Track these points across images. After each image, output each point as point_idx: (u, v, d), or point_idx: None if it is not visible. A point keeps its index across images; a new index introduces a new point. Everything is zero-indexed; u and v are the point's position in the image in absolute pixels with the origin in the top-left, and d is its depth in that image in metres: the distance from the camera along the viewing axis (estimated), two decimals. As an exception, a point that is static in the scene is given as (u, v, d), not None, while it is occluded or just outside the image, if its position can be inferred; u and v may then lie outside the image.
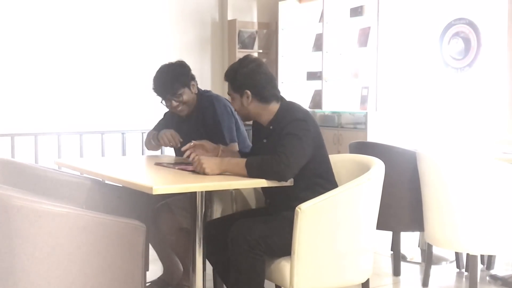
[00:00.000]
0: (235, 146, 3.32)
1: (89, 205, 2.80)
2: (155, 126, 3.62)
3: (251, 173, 2.63)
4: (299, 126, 2.70)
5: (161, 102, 3.39)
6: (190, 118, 3.42)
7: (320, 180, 2.80)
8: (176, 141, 3.35)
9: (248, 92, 2.80)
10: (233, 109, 3.34)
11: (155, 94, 3.37)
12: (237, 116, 3.39)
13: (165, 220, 3.27)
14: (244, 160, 2.68)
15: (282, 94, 2.93)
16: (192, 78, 3.40)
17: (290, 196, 2.72)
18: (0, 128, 6.04)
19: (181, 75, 3.35)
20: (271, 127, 2.83)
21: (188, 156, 2.94)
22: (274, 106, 2.85)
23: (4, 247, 2.26)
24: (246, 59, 2.90)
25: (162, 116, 3.66)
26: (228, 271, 2.73)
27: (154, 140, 3.48)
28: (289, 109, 2.83)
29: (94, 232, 2.38)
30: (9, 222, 2.22)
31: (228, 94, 2.92)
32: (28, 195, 2.46)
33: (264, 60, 7.62)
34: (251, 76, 2.81)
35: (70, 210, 2.34)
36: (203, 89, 3.51)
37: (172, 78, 3.32)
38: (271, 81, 2.87)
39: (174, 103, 3.35)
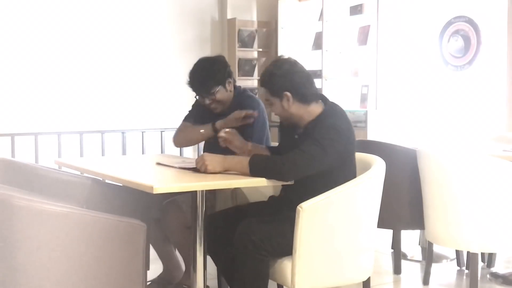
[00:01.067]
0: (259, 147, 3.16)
1: (90, 205, 2.81)
2: (187, 117, 3.47)
3: (254, 172, 2.59)
4: (329, 135, 2.61)
5: (195, 97, 3.33)
6: (224, 115, 3.30)
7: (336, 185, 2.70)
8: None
9: (288, 94, 2.71)
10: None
11: (190, 89, 3.29)
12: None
13: (173, 218, 3.23)
14: (247, 158, 2.63)
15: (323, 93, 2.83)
16: (229, 75, 3.29)
17: (307, 193, 2.63)
18: (0, 127, 6.04)
19: (217, 72, 3.24)
20: (309, 126, 2.74)
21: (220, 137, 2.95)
22: (316, 108, 2.75)
23: (4, 247, 2.25)
24: (279, 60, 2.81)
25: (191, 107, 3.51)
26: (231, 270, 2.73)
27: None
28: (333, 115, 2.73)
29: (94, 232, 2.38)
30: (10, 221, 2.22)
31: (266, 99, 2.81)
32: (29, 195, 2.46)
33: (263, 59, 7.65)
34: (288, 77, 2.71)
35: (71, 210, 2.34)
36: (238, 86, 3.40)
37: (207, 76, 3.22)
38: (309, 78, 2.77)
39: (207, 101, 3.28)
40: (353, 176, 2.79)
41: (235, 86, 3.36)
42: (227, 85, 3.28)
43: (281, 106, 2.74)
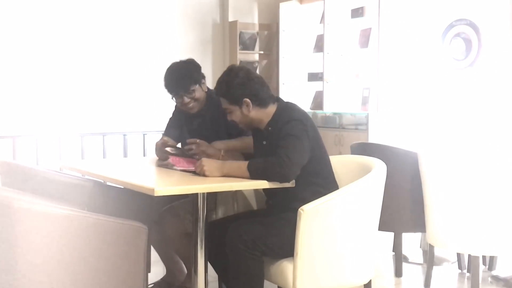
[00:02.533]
0: (249, 139, 3.14)
1: (91, 207, 2.81)
2: (166, 126, 3.55)
3: (254, 176, 2.64)
4: (296, 126, 2.71)
5: (172, 98, 3.33)
6: (202, 115, 3.35)
7: (320, 180, 2.81)
8: (165, 147, 3.26)
9: (247, 100, 2.79)
10: None
11: (166, 90, 3.30)
12: None
13: (171, 225, 3.25)
14: (246, 163, 2.68)
15: (281, 95, 2.93)
16: (203, 76, 3.35)
17: (291, 196, 2.72)
18: (1, 130, 6.05)
19: (194, 71, 3.29)
20: (269, 128, 2.83)
21: (190, 150, 2.99)
22: (272, 108, 2.85)
23: (6, 249, 2.26)
24: (234, 69, 2.88)
25: (171, 115, 3.58)
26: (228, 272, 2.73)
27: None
28: (286, 109, 2.84)
29: (96, 234, 2.38)
30: (11, 224, 2.22)
31: (224, 108, 2.88)
32: (30, 197, 2.46)
33: (265, 61, 7.66)
34: (246, 84, 2.80)
35: (72, 212, 2.34)
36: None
37: (185, 75, 3.25)
38: (264, 83, 2.88)
39: (186, 100, 3.27)
40: (329, 164, 2.90)
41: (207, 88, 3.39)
42: (202, 85, 3.32)
43: (241, 113, 2.82)
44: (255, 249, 2.58)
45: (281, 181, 2.63)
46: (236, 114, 2.84)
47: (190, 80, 3.26)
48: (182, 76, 3.26)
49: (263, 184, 2.62)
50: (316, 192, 2.70)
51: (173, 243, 3.34)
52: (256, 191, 3.17)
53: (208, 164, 2.70)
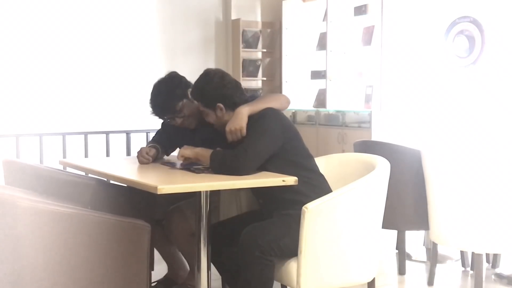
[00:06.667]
0: None
1: (94, 205, 2.81)
2: (154, 137, 3.44)
3: (213, 165, 2.71)
4: (261, 124, 2.75)
5: (166, 120, 3.27)
6: (206, 125, 3.15)
7: (305, 172, 2.80)
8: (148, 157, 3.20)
9: (220, 105, 2.86)
10: None
11: (156, 117, 3.26)
12: None
13: (177, 225, 3.23)
14: (211, 151, 2.75)
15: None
16: (188, 86, 3.18)
17: (279, 192, 2.71)
18: (5, 128, 6.05)
19: (175, 88, 3.16)
20: None
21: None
22: None
23: (9, 248, 2.26)
24: (209, 73, 2.93)
25: (160, 127, 3.48)
26: (236, 276, 2.72)
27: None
28: (258, 111, 2.85)
29: (99, 232, 2.38)
30: (14, 222, 2.22)
31: (201, 110, 2.95)
32: (33, 195, 2.47)
33: (268, 59, 7.65)
34: (218, 90, 2.86)
35: (75, 210, 2.34)
36: None
37: (165, 96, 3.16)
38: (238, 88, 2.93)
39: (178, 120, 3.20)
40: (312, 157, 2.93)
41: None
42: (190, 96, 3.14)
43: (215, 116, 2.90)
44: (269, 254, 2.57)
45: (233, 174, 2.65)
46: (211, 117, 2.92)
47: (174, 100, 3.15)
48: (163, 98, 3.17)
49: (263, 182, 2.62)
50: (306, 184, 2.73)
51: (178, 242, 3.33)
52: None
53: (185, 147, 2.87)
